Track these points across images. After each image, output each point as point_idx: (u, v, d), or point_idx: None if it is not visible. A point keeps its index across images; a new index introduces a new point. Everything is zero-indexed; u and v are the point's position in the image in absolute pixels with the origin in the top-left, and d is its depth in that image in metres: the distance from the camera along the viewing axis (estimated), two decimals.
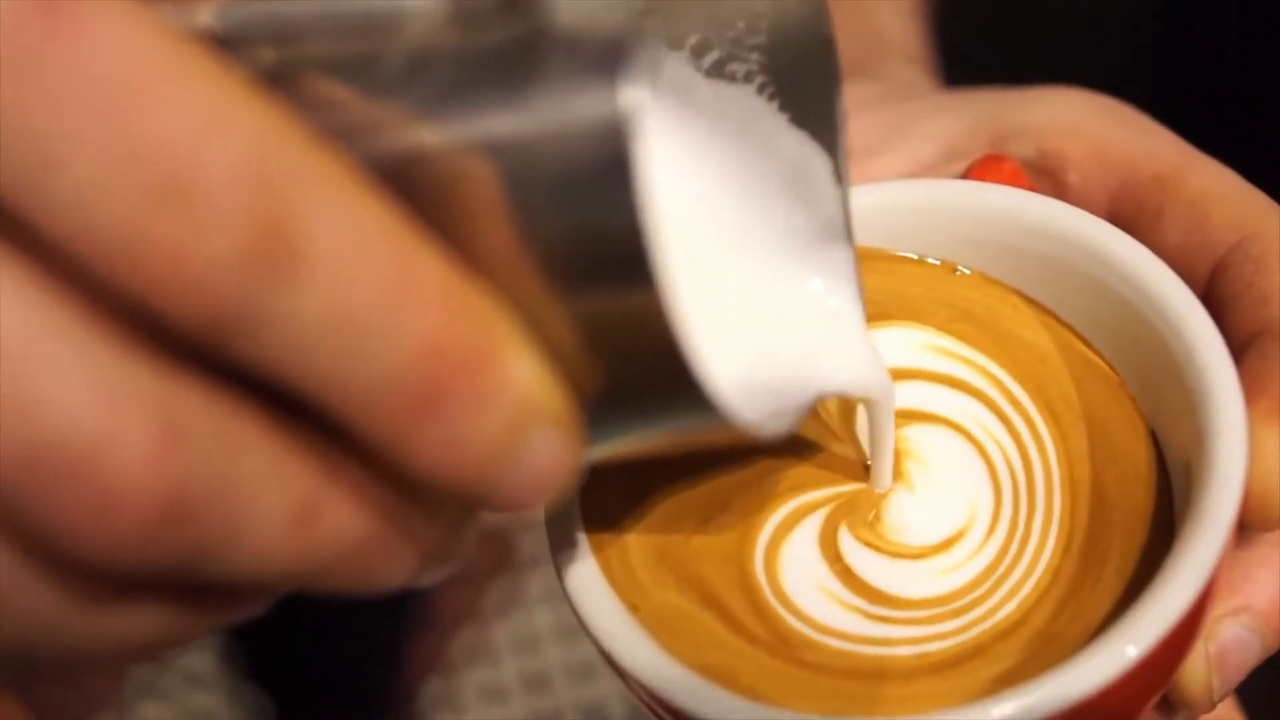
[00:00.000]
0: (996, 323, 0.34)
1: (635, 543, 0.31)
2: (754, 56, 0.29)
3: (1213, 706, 0.33)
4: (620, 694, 1.39)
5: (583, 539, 0.31)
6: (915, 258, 0.35)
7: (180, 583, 0.21)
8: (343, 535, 0.21)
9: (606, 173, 0.20)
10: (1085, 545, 0.31)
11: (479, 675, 1.41)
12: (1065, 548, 0.31)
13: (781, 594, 0.31)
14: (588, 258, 0.21)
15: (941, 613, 0.30)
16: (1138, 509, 0.31)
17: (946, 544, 0.31)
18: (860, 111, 0.40)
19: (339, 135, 0.20)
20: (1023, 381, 0.33)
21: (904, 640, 0.30)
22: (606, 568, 0.31)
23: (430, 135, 0.21)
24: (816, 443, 0.33)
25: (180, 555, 0.19)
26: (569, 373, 0.22)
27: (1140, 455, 0.32)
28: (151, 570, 0.20)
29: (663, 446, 0.27)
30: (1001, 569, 0.31)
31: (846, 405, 0.33)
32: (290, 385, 0.20)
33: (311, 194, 0.19)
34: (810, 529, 0.32)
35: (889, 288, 0.35)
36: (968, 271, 0.35)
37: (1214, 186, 0.35)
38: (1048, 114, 0.37)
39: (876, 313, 0.34)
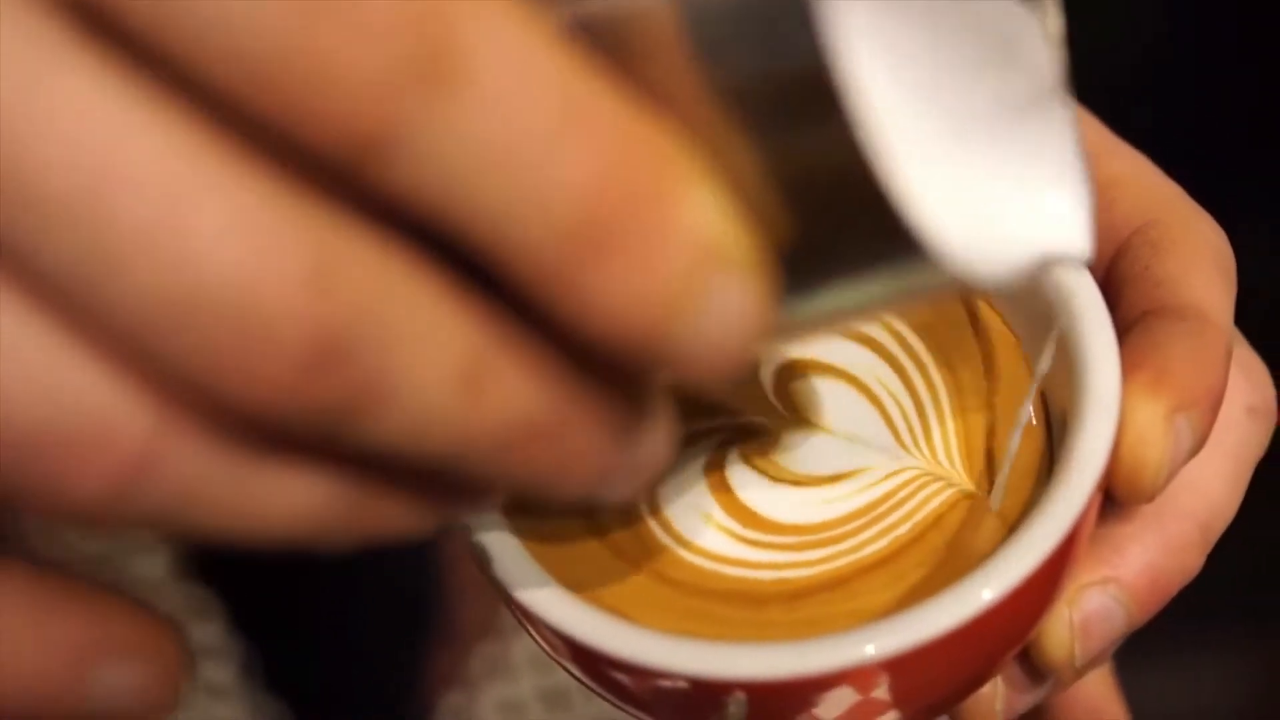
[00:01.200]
0: None
1: None
2: None
3: (1076, 675, 0.33)
4: None
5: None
6: None
7: (338, 452, 0.20)
8: (516, 406, 0.20)
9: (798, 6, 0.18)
10: (969, 496, 0.32)
11: (497, 690, 1.40)
12: (952, 500, 0.32)
13: (656, 508, 0.32)
14: (779, 97, 0.19)
15: (810, 540, 0.31)
16: (1024, 464, 0.32)
17: (833, 478, 0.32)
18: None
19: None
20: (923, 336, 0.34)
21: (767, 564, 0.31)
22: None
23: None
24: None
25: (336, 405, 0.18)
26: (760, 222, 0.20)
27: (1023, 395, 0.33)
28: (305, 422, 0.18)
29: (865, 306, 0.25)
30: (883, 509, 0.32)
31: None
32: (450, 221, 0.18)
33: (478, 11, 0.18)
34: (702, 450, 0.33)
35: None
36: None
37: (1125, 173, 0.36)
38: None
39: None
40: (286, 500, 0.20)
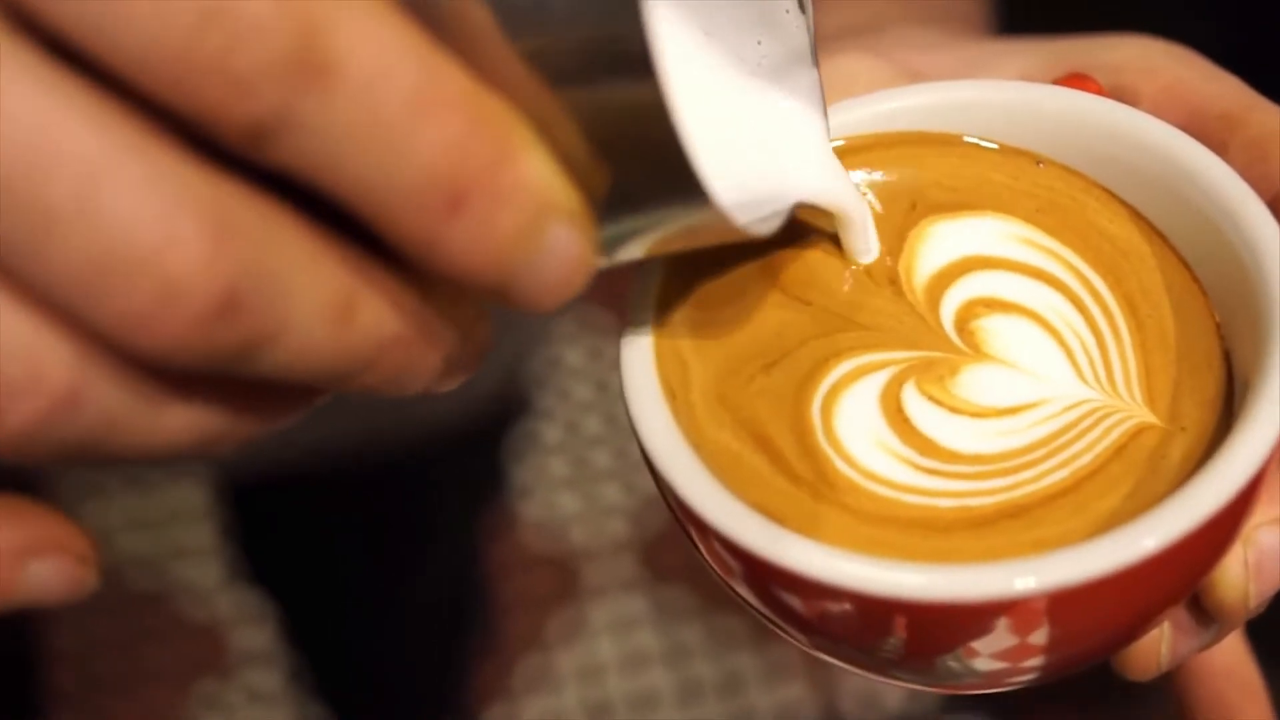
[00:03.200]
0: (1081, 213, 0.35)
1: (699, 383, 0.32)
2: None
3: (1248, 615, 0.32)
4: None
5: (652, 377, 0.32)
6: (996, 147, 0.36)
7: (232, 379, 0.23)
8: (377, 331, 0.23)
9: None
10: (1151, 431, 0.31)
11: (541, 703, 1.40)
12: (1133, 432, 0.31)
13: (833, 437, 0.31)
14: (597, 62, 0.23)
15: (991, 470, 0.30)
16: (1206, 402, 0.31)
17: (1012, 410, 0.31)
18: (937, 50, 0.41)
19: None
20: (1103, 274, 0.34)
21: (948, 493, 0.30)
22: (672, 403, 0.31)
23: None
24: (898, 314, 0.33)
25: (234, 347, 0.21)
26: (582, 176, 0.24)
27: (1211, 351, 0.32)
28: (208, 363, 0.21)
29: (666, 246, 0.28)
30: (1063, 440, 0.31)
31: (935, 288, 0.34)
32: (327, 188, 0.22)
33: (343, 11, 0.20)
34: (876, 381, 0.32)
35: (971, 173, 0.36)
36: (1051, 163, 0.36)
37: (1276, 126, 0.36)
38: (1123, 56, 0.38)
39: (963, 201, 0.35)
40: (189, 423, 0.23)
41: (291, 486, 0.88)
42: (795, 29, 0.31)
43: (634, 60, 0.22)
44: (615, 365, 0.33)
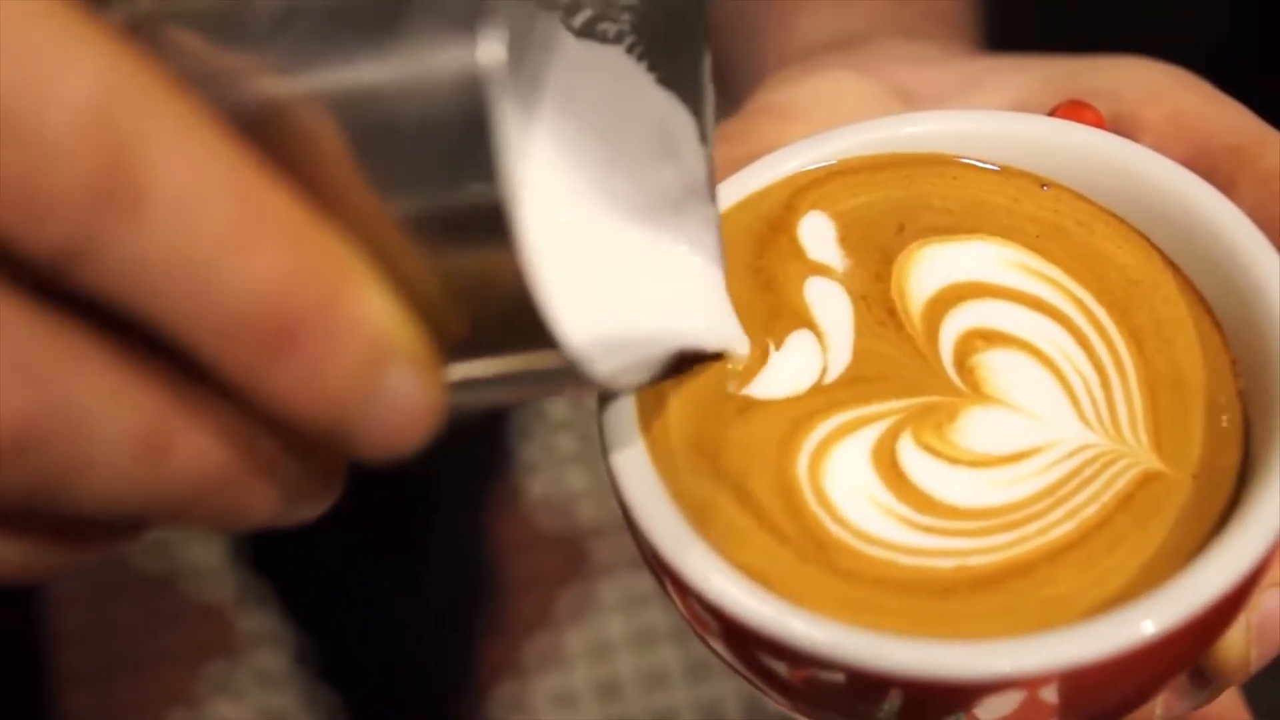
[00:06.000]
0: (1089, 239, 0.33)
1: (678, 425, 0.31)
2: (625, 16, 0.29)
3: (1247, 677, 0.32)
4: (693, 702, 1.38)
5: (632, 419, 0.30)
6: (997, 168, 0.34)
7: (40, 514, 0.22)
8: (197, 468, 0.22)
9: (463, 129, 0.20)
10: (1159, 480, 0.29)
11: (550, 681, 1.40)
12: (1139, 480, 0.29)
13: (821, 495, 0.29)
14: (446, 212, 0.21)
15: (992, 525, 0.29)
16: (1219, 447, 0.30)
17: (1013, 457, 0.30)
18: (928, 65, 0.40)
19: (198, 83, 0.21)
20: (1109, 306, 0.32)
21: (947, 552, 0.28)
22: (653, 450, 0.30)
23: (289, 85, 0.21)
24: (895, 352, 0.32)
25: (31, 484, 0.20)
26: (429, 319, 0.22)
27: (1226, 390, 0.31)
28: (6, 498, 0.20)
29: (525, 392, 0.27)
30: (1067, 489, 0.29)
31: (932, 317, 0.32)
32: (139, 318, 0.20)
33: (155, 133, 0.19)
34: (868, 436, 0.30)
35: (970, 195, 0.34)
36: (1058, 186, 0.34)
37: None
38: (1125, 79, 0.37)
39: (961, 224, 0.33)
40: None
41: None
42: (694, 161, 0.30)
43: (482, 213, 0.21)
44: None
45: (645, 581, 1.50)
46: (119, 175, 0.19)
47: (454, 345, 0.23)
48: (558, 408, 1.49)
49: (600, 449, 0.30)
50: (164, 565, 1.37)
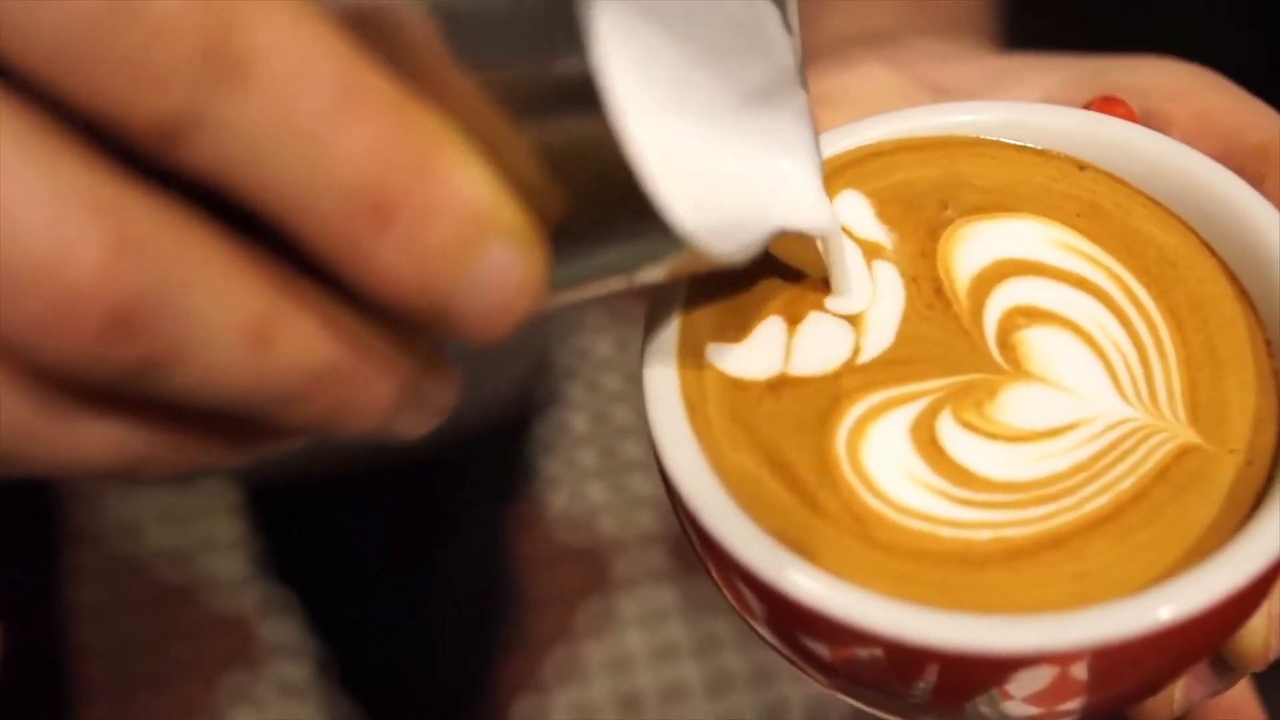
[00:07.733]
0: (1126, 220, 0.33)
1: (715, 396, 0.31)
2: None
3: (1265, 665, 0.32)
4: (713, 717, 1.38)
5: (673, 385, 0.31)
6: (1038, 148, 0.35)
7: (145, 400, 0.22)
8: (303, 359, 0.22)
9: (558, 10, 0.20)
10: (1196, 454, 0.30)
11: (570, 695, 1.40)
12: (1176, 454, 0.30)
13: (859, 469, 0.30)
14: (541, 87, 0.21)
15: (1028, 498, 0.29)
16: (1257, 423, 0.30)
17: (1051, 432, 0.30)
18: (957, 61, 0.40)
19: None
20: (1148, 284, 0.32)
21: (983, 524, 0.29)
22: (693, 419, 0.30)
23: None
24: (940, 330, 0.32)
25: (133, 364, 0.20)
26: (531, 199, 0.22)
27: (1262, 369, 0.31)
28: (109, 378, 0.20)
29: (619, 273, 0.27)
30: (1103, 463, 0.29)
31: (977, 294, 0.32)
32: (242, 193, 0.20)
33: (260, 8, 0.20)
34: (907, 413, 0.30)
35: (1008, 175, 0.34)
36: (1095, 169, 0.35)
37: None
38: (1153, 78, 0.37)
39: (1000, 203, 0.34)
40: (102, 441, 0.22)
41: (319, 479, 0.88)
42: (782, 51, 0.30)
43: (581, 86, 0.21)
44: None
45: (666, 596, 1.51)
46: (227, 46, 0.19)
47: (556, 229, 0.23)
48: (580, 421, 1.49)
49: (644, 422, 0.31)
50: (184, 577, 1.38)
